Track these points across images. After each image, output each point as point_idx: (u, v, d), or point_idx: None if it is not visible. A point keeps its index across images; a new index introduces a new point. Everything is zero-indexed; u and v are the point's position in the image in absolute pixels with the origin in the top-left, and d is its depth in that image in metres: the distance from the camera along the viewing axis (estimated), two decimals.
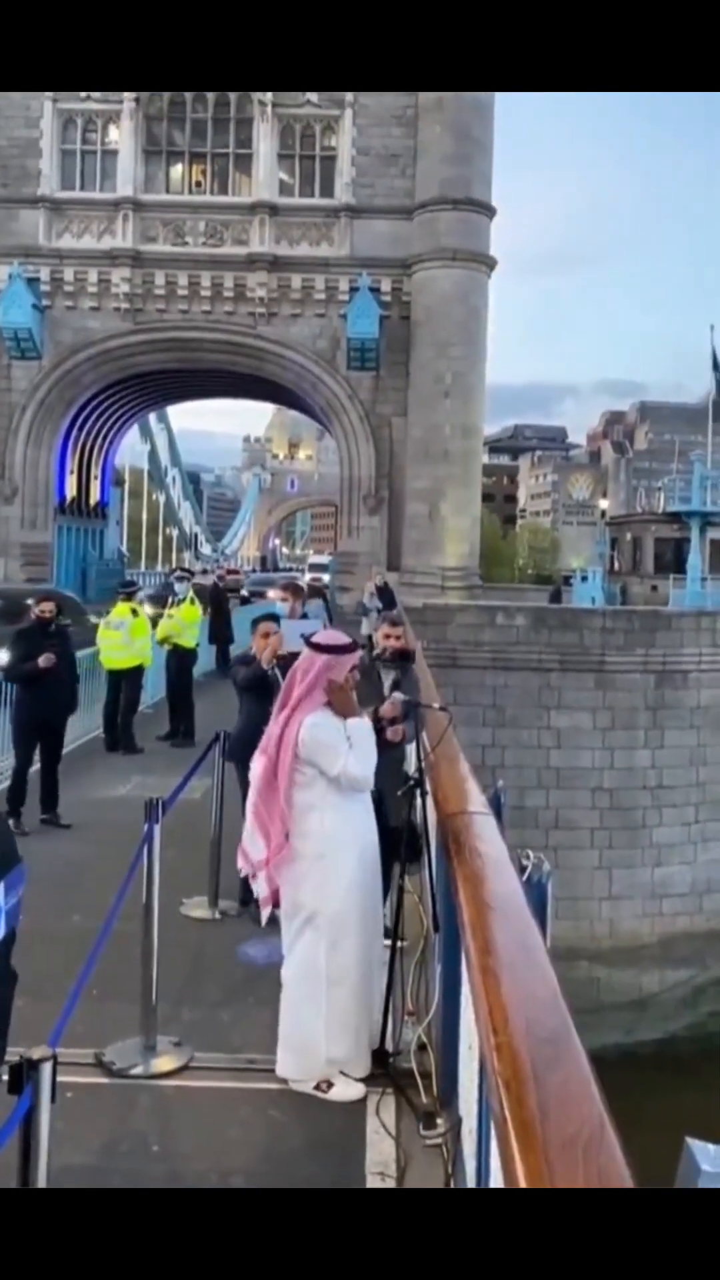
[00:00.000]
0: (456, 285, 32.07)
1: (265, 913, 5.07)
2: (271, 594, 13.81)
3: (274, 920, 5.11)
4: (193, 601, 15.50)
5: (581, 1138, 2.11)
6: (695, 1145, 3.62)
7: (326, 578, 44.47)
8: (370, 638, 21.21)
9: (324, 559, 71.67)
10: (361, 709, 5.31)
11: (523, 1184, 2.07)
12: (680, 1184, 3.43)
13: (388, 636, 6.57)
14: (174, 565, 42.75)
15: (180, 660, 14.93)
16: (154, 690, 15.80)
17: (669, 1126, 4.72)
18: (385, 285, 32.64)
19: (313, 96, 33.00)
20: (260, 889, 4.89)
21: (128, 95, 32.75)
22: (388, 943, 5.27)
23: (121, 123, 33.49)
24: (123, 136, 33.52)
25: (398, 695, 6.04)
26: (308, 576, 50.96)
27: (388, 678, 6.47)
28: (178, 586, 16.06)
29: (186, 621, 15.03)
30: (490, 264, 33.10)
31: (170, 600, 15.58)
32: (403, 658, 6.56)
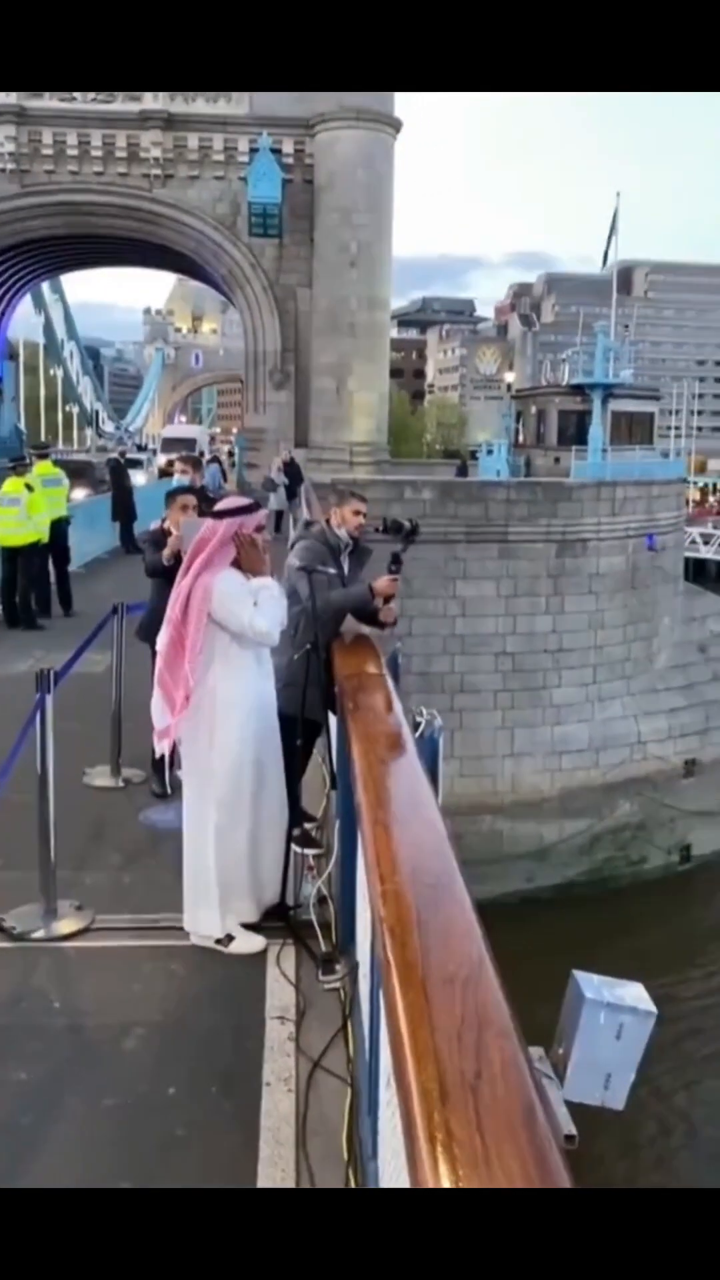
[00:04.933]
0: (361, 148, 30.68)
1: (183, 771, 4.99)
2: (177, 467, 13.31)
3: (178, 788, 5.07)
4: (17, 472, 14.09)
5: (461, 975, 2.14)
6: (580, 976, 3.77)
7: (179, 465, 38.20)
8: (279, 514, 21.07)
9: (187, 432, 63.15)
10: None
11: (403, 1021, 2.09)
12: (566, 1009, 3.57)
13: (357, 513, 5.92)
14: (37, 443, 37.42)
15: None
16: None
17: (563, 959, 4.91)
18: (287, 146, 31.03)
19: None
20: (162, 748, 4.83)
21: None
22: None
23: None
24: None
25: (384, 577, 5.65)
26: (160, 459, 44.06)
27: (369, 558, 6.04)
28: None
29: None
30: (396, 126, 31.67)
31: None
32: (389, 531, 5.80)
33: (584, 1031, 3.45)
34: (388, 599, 5.63)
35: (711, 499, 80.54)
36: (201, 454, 33.87)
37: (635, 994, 3.51)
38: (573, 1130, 3.19)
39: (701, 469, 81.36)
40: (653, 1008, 3.46)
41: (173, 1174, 3.31)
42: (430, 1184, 1.62)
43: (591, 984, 3.55)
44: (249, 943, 4.77)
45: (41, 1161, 3.39)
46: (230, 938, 4.76)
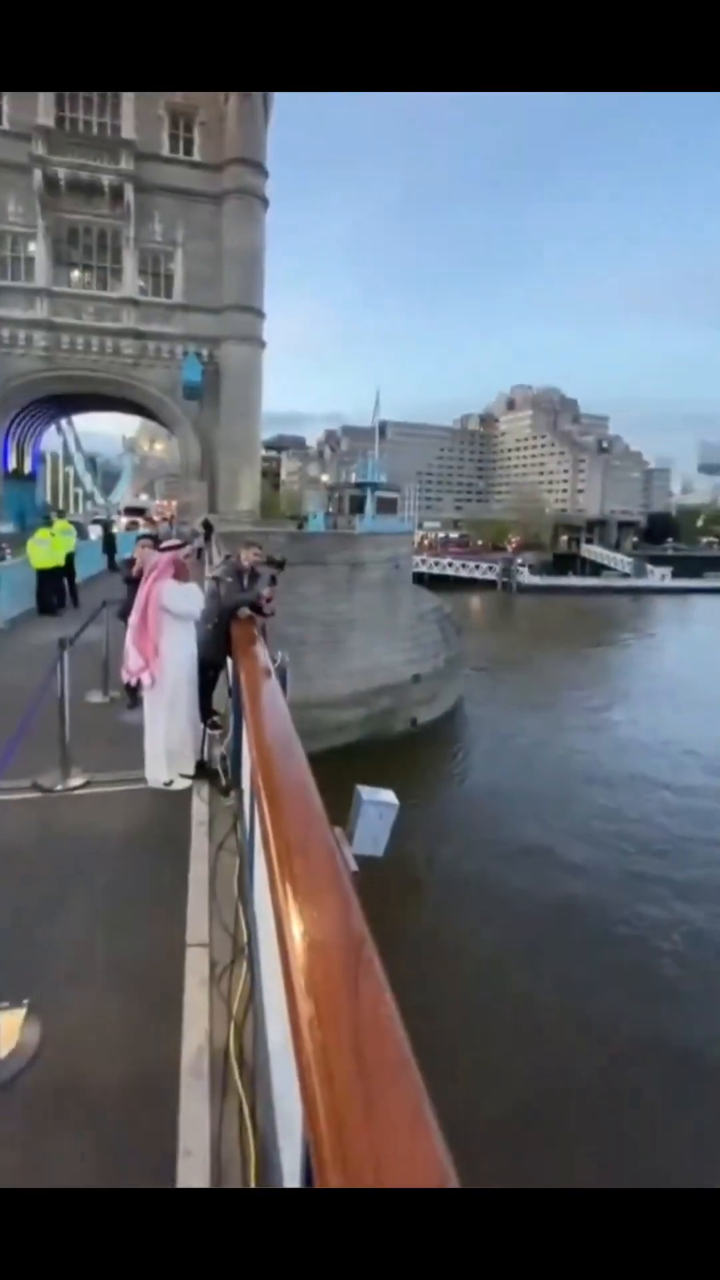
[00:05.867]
0: (245, 356, 29.45)
1: (145, 690, 4.61)
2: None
3: (140, 702, 4.70)
4: (46, 525, 12.95)
5: (298, 789, 2.11)
6: (360, 787, 3.66)
7: (141, 520, 31.05)
8: (200, 550, 20.06)
9: (140, 502, 52.97)
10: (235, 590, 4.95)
11: (268, 821, 1.95)
12: (354, 805, 3.46)
13: (254, 554, 5.48)
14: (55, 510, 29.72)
15: None
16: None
17: (352, 781, 4.86)
18: (205, 352, 29.45)
19: (158, 235, 28.59)
20: (144, 679, 4.48)
21: (40, 223, 27.09)
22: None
23: (37, 241, 27.46)
24: (38, 250, 27.60)
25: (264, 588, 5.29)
26: (124, 520, 36.11)
27: (262, 578, 5.56)
28: None
29: None
30: (263, 345, 30.59)
31: None
32: (271, 563, 5.66)
33: (363, 816, 3.39)
34: (269, 599, 5.42)
35: (425, 542, 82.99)
36: (149, 516, 31.63)
37: (388, 795, 3.49)
38: (356, 868, 3.14)
39: (420, 526, 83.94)
40: (396, 801, 3.45)
41: (130, 917, 3.03)
42: (283, 907, 1.48)
43: (367, 791, 3.52)
44: (182, 784, 4.51)
45: (61, 916, 3.06)
46: (170, 782, 4.49)
